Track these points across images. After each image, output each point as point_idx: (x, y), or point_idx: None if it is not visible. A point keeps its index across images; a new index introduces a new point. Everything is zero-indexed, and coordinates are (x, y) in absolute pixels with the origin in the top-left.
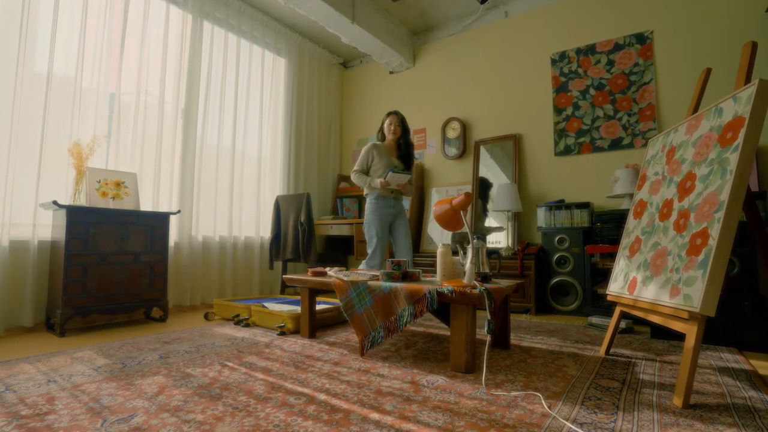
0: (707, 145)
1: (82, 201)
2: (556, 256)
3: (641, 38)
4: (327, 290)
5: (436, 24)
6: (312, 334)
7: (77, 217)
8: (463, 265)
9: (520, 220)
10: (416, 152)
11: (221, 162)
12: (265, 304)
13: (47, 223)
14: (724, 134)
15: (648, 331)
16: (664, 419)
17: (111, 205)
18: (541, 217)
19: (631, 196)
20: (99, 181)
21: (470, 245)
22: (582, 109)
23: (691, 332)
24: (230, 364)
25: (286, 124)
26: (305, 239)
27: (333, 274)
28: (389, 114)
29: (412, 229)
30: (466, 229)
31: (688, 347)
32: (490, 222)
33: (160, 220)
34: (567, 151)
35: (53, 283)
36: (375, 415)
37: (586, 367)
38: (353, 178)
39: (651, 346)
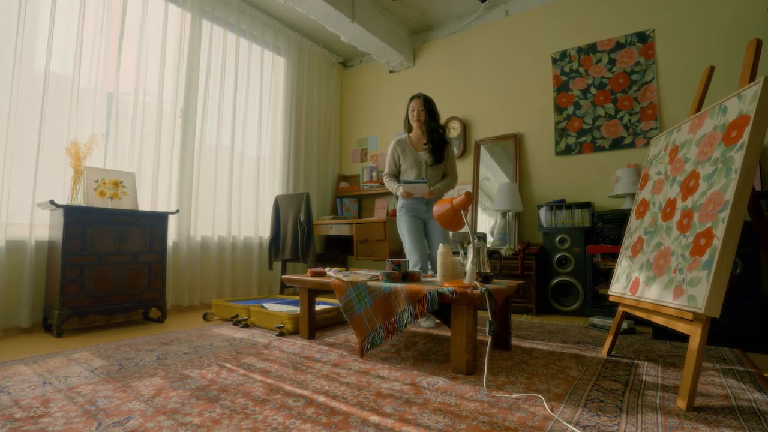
0: (711, 144)
1: (79, 201)
2: (557, 256)
3: (643, 37)
4: (326, 290)
5: (436, 23)
6: (311, 335)
7: (75, 217)
8: (463, 266)
9: (521, 220)
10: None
11: (220, 161)
12: (264, 305)
13: (44, 222)
14: (729, 133)
15: (650, 332)
16: (668, 422)
17: (109, 204)
18: (542, 216)
19: (632, 195)
20: (97, 181)
21: (471, 245)
22: (583, 109)
23: (696, 334)
24: (228, 365)
25: (285, 124)
26: (304, 239)
27: (332, 274)
28: (412, 98)
29: None
30: (467, 228)
31: (692, 349)
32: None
33: (159, 219)
34: (568, 150)
35: (50, 283)
36: (375, 418)
37: (588, 368)
38: (384, 182)
39: (653, 347)
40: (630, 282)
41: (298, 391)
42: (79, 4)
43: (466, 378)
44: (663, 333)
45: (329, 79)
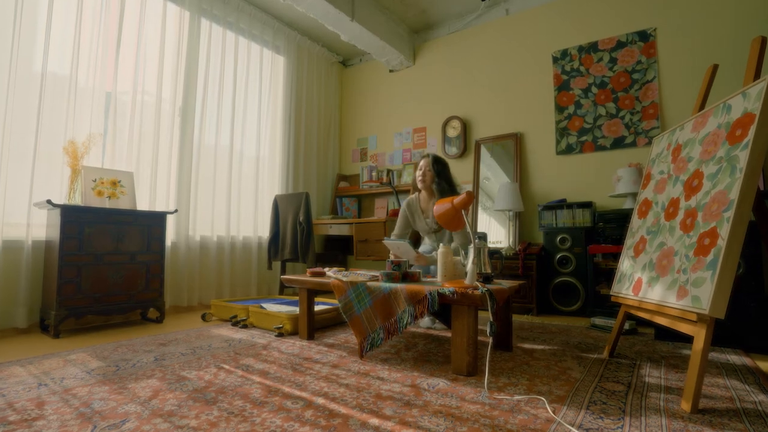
0: (715, 143)
1: (77, 200)
2: (558, 256)
3: (644, 35)
4: (326, 291)
5: (436, 22)
6: (310, 336)
7: (72, 217)
8: (464, 266)
9: (521, 220)
10: (416, 151)
11: (219, 161)
12: (263, 305)
13: (41, 222)
14: (733, 131)
15: (652, 333)
16: (672, 425)
17: (107, 204)
18: (543, 216)
19: (633, 195)
20: (95, 180)
21: (472, 245)
22: (584, 108)
23: (700, 335)
24: (227, 366)
25: (284, 123)
26: (304, 239)
27: (332, 274)
28: (422, 157)
29: None
30: (467, 228)
31: (697, 350)
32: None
33: (157, 219)
34: (569, 150)
35: (47, 283)
36: (374, 420)
37: (590, 369)
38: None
39: (656, 347)
40: (632, 282)
41: (297, 392)
42: (76, 2)
43: (466, 379)
44: (665, 334)
45: (329, 78)
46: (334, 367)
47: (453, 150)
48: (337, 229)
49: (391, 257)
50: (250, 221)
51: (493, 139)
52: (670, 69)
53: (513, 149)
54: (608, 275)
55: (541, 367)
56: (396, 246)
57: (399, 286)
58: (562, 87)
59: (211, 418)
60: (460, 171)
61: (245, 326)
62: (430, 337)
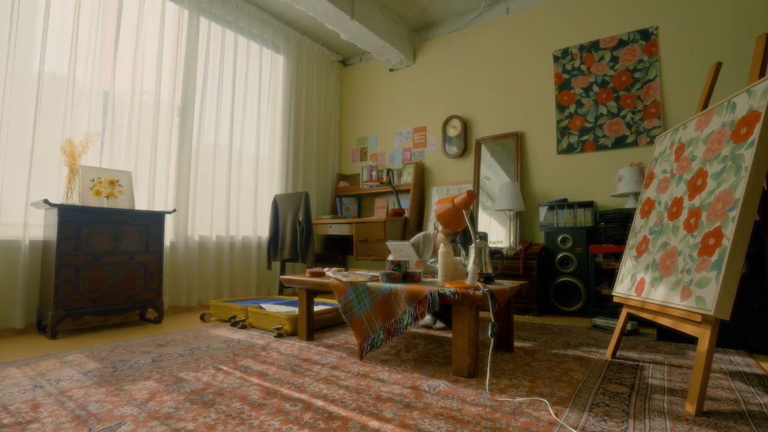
0: (719, 142)
1: (75, 200)
2: (559, 256)
3: (646, 34)
4: (325, 291)
5: (436, 21)
6: (310, 336)
7: (69, 217)
8: (465, 266)
9: (522, 220)
10: (416, 150)
11: (218, 160)
12: (263, 305)
13: (39, 222)
14: (738, 130)
15: (654, 333)
16: (677, 428)
17: (105, 204)
18: (544, 216)
19: (635, 194)
20: (93, 180)
21: (473, 245)
22: (585, 107)
23: (705, 336)
24: (225, 368)
25: (284, 122)
26: (303, 239)
27: (331, 274)
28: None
29: (412, 229)
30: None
31: (701, 352)
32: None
33: (156, 219)
34: (570, 149)
35: (45, 283)
36: (374, 423)
37: (592, 371)
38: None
39: (658, 348)
40: (635, 282)
41: (296, 394)
42: (74, 1)
43: (467, 381)
44: (668, 334)
45: (329, 78)
46: (333, 368)
47: (453, 149)
48: (337, 228)
49: (391, 258)
50: (250, 221)
51: (494, 138)
52: (671, 68)
53: (514, 149)
54: (609, 275)
55: (542, 368)
56: (398, 247)
57: (399, 286)
58: (563, 86)
59: (209, 421)
60: (460, 171)
61: (244, 327)
62: (430, 338)
